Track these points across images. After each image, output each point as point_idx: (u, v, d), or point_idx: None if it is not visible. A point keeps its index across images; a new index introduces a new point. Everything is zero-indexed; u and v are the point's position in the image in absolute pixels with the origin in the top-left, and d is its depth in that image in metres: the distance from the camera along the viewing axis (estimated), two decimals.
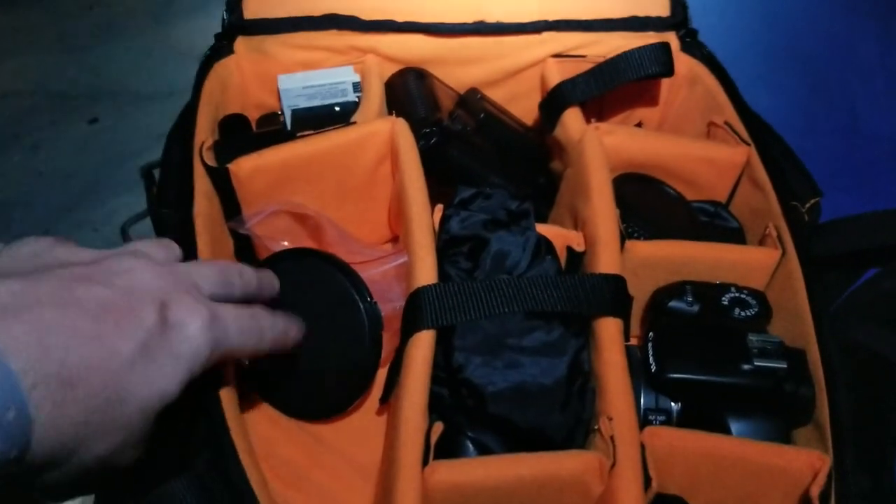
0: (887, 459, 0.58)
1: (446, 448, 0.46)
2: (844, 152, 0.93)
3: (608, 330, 0.49)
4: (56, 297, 0.30)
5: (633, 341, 0.58)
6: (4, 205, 1.28)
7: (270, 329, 0.40)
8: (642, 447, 0.45)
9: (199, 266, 0.39)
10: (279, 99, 0.68)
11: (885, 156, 0.93)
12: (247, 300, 0.41)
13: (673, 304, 0.55)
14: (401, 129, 0.59)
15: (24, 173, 1.33)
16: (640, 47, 0.64)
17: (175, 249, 0.39)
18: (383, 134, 0.60)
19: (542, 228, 0.57)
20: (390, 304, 0.55)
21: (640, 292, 0.57)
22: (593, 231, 0.55)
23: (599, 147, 0.59)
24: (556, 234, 0.57)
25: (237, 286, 0.40)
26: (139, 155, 1.30)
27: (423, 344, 0.47)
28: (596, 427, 0.47)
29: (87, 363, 0.29)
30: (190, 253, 0.52)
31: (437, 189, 0.58)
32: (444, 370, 0.49)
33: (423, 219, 0.54)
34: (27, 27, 1.59)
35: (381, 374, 0.52)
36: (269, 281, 0.45)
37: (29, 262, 0.33)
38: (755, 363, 0.49)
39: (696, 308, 0.55)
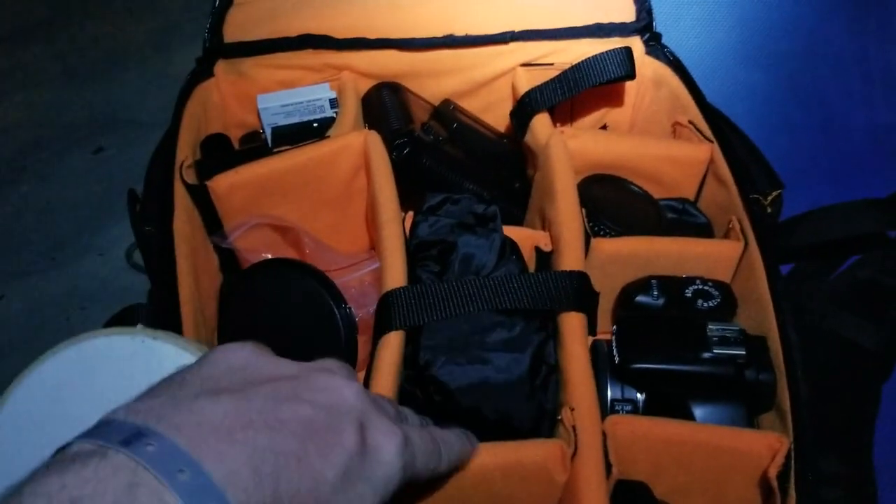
0: (862, 442, 0.59)
1: None
2: (820, 146, 0.95)
3: (571, 324, 0.51)
4: (266, 418, 0.28)
5: (607, 336, 0.59)
6: (13, 234, 1.32)
7: (447, 452, 0.38)
8: (604, 435, 0.47)
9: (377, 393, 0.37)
10: (259, 117, 0.71)
11: (859, 148, 0.94)
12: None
13: (639, 298, 0.57)
14: (373, 140, 0.61)
15: (31, 203, 1.37)
16: (602, 52, 0.66)
17: (353, 372, 0.38)
18: (356, 146, 0.62)
19: (511, 231, 0.58)
20: (366, 309, 0.58)
21: (609, 289, 0.58)
22: (558, 231, 0.56)
23: (564, 150, 0.61)
24: (524, 235, 0.59)
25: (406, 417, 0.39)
26: (142, 182, 1.33)
27: (390, 344, 0.49)
28: (559, 417, 0.48)
29: (297, 491, 0.28)
30: (169, 268, 0.54)
31: (414, 198, 0.60)
32: (413, 368, 0.51)
33: (393, 225, 0.56)
34: (33, 62, 1.64)
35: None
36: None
37: (235, 375, 0.31)
38: (714, 351, 0.51)
39: (661, 301, 0.56)
